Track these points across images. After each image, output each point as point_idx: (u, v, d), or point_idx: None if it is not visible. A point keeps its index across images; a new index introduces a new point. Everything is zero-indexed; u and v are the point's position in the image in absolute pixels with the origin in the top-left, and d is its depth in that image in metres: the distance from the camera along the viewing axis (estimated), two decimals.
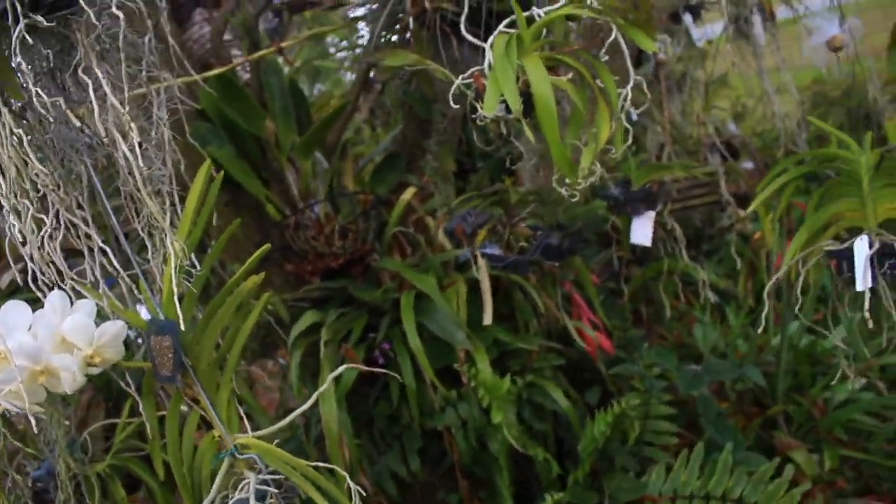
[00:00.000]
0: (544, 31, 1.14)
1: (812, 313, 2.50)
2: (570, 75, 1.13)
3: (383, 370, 1.15)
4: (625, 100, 1.18)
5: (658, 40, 2.61)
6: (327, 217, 1.63)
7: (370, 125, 2.33)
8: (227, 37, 1.84)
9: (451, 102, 1.13)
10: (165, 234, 0.98)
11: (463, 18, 1.28)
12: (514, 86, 0.99)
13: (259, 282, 0.96)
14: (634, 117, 1.29)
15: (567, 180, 1.19)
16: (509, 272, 1.47)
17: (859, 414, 2.05)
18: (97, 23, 0.79)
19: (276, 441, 0.95)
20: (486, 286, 1.47)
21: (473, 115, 1.10)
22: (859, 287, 1.23)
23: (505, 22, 1.14)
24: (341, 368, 1.03)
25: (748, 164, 2.60)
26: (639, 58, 2.24)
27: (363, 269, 1.62)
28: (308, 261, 1.60)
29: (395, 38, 1.44)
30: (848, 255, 1.26)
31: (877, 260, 1.22)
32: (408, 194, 1.60)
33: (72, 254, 1.08)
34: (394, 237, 1.64)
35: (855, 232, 1.28)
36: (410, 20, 1.34)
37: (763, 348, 2.35)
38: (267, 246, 0.98)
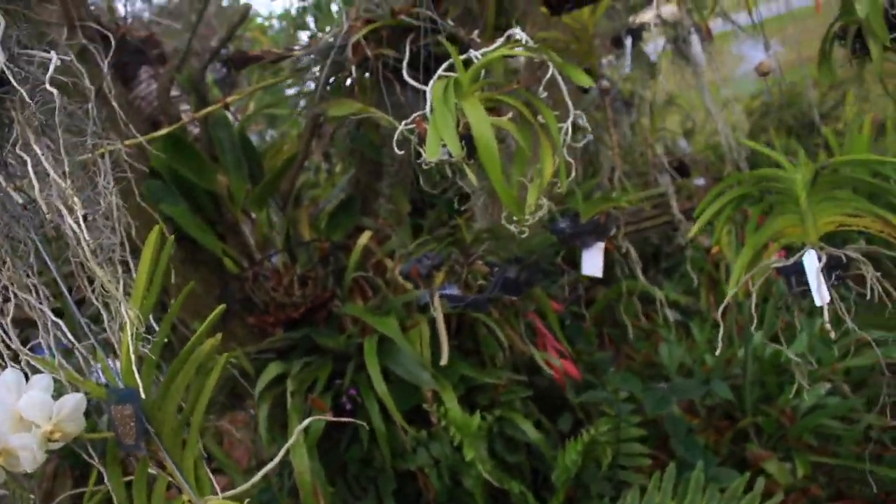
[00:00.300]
0: (483, 72, 1.17)
1: (776, 321, 2.55)
2: (510, 114, 1.15)
3: (351, 419, 1.16)
4: (566, 134, 1.20)
5: (605, 63, 2.67)
6: (285, 267, 1.64)
7: (326, 168, 2.34)
8: (174, 92, 1.85)
9: (396, 148, 1.15)
10: (120, 303, 0.98)
11: (405, 63, 1.30)
12: (453, 131, 1.00)
13: (217, 343, 0.96)
14: (590, 137, 1.32)
15: (515, 217, 1.20)
16: (470, 310, 1.48)
17: (827, 419, 2.08)
18: (31, 101, 0.79)
19: (248, 500, 0.95)
20: (441, 327, 1.48)
21: (418, 160, 1.11)
22: (818, 302, 1.25)
23: (444, 66, 1.17)
24: (307, 421, 1.03)
25: (700, 181, 2.65)
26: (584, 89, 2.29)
27: (325, 315, 1.62)
28: (269, 312, 1.60)
29: (344, 80, 1.45)
30: (796, 269, 1.29)
31: (825, 272, 1.25)
32: (364, 238, 1.61)
33: (27, 324, 1.07)
34: (354, 282, 1.64)
35: (798, 247, 1.32)
36: (353, 68, 1.36)
37: (730, 361, 2.37)
38: (222, 307, 0.98)
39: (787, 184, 1.32)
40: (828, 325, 1.23)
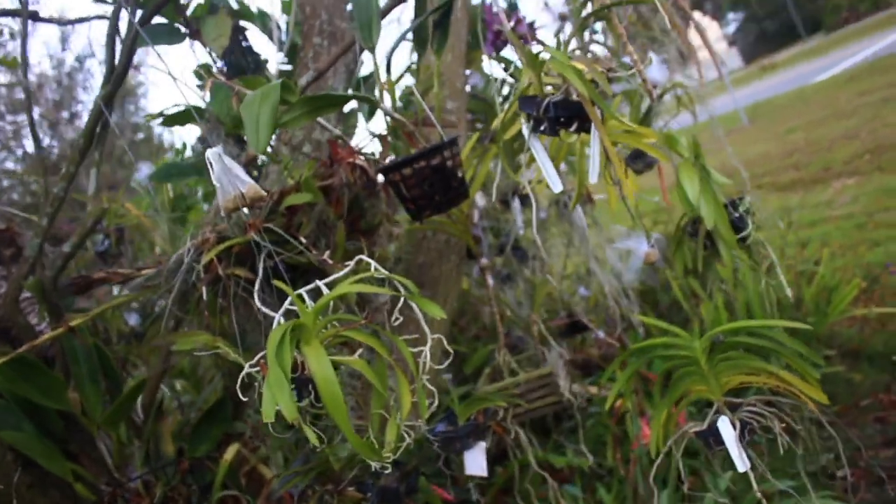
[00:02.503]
0: (331, 305, 1.10)
1: (687, 474, 2.49)
2: (360, 350, 1.08)
3: None
4: (425, 360, 1.14)
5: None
6: (146, 488, 1.50)
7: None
8: (27, 293, 1.73)
9: (240, 393, 1.06)
10: None
11: (256, 288, 1.23)
12: (288, 395, 0.92)
13: None
14: None
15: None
16: None
17: None
18: None
19: None
20: None
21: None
22: (740, 468, 1.30)
23: (287, 302, 1.10)
24: None
25: (599, 333, 2.62)
26: (469, 254, 2.26)
27: None
28: None
29: (196, 302, 1.37)
30: (712, 432, 1.33)
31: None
32: (230, 454, 1.49)
33: None
34: (221, 500, 1.51)
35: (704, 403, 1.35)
36: (204, 289, 1.28)
37: None
38: None
39: (688, 351, 1.35)
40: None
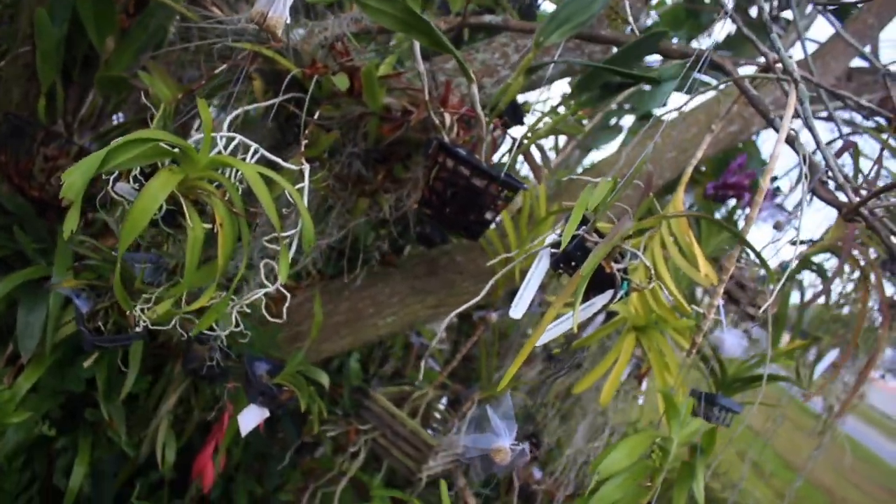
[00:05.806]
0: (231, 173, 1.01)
1: None
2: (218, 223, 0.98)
3: None
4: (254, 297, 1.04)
5: None
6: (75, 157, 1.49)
7: None
8: None
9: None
10: None
11: (253, 106, 1.15)
12: (82, 178, 0.83)
13: None
14: None
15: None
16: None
17: None
18: None
19: None
20: None
21: None
22: None
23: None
24: None
25: (538, 473, 2.40)
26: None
27: (54, 217, 1.48)
28: (19, 167, 1.45)
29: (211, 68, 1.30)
30: None
31: None
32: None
33: None
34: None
35: None
36: (224, 66, 1.21)
37: None
38: None
39: None
40: None
